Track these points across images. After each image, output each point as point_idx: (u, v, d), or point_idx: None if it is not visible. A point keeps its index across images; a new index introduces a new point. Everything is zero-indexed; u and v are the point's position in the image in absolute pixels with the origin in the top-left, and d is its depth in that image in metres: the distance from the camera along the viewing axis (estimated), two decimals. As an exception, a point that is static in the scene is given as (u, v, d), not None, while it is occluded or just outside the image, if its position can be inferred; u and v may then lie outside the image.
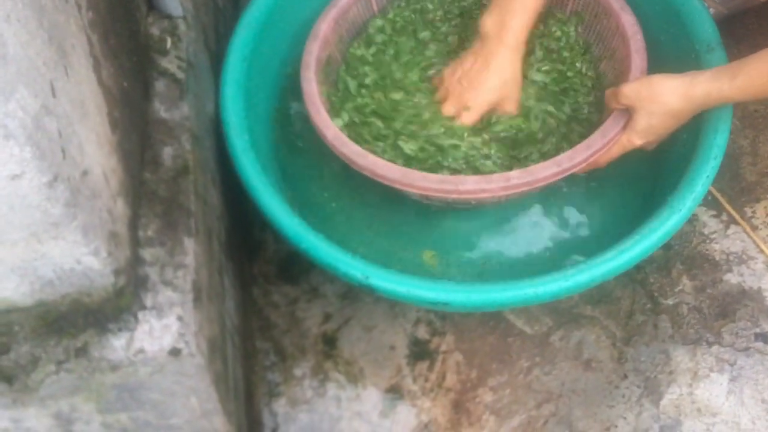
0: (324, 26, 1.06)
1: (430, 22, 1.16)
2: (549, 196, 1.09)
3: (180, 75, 0.86)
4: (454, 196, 0.94)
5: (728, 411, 1.00)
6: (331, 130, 0.97)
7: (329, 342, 1.09)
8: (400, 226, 1.11)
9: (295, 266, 1.14)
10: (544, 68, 1.09)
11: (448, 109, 1.03)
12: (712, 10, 1.22)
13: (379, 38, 1.13)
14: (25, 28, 0.51)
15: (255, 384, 1.05)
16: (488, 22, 1.01)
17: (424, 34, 1.14)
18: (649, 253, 0.90)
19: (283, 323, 1.11)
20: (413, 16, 1.16)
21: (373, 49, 1.12)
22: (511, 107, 1.03)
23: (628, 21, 1.02)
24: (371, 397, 1.06)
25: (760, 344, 1.04)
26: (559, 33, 1.12)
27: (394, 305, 1.11)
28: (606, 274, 0.89)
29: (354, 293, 1.12)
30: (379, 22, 1.14)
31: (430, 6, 1.17)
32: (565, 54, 1.10)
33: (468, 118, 1.02)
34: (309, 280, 1.14)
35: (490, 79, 1.01)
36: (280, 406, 1.05)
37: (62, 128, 0.57)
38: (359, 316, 1.11)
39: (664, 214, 0.91)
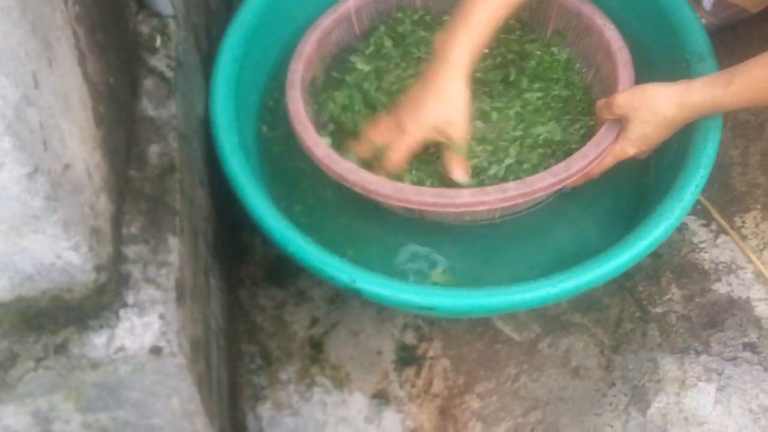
0: (307, 47, 1.06)
1: (407, 46, 1.15)
2: (540, 207, 1.08)
3: (169, 74, 0.86)
4: (451, 209, 0.93)
5: (716, 420, 1.00)
6: (320, 148, 0.96)
7: (316, 346, 1.09)
8: (391, 236, 1.10)
9: (283, 269, 1.14)
10: (530, 90, 1.08)
11: (380, 133, 0.96)
12: (703, 21, 1.23)
13: (360, 65, 1.12)
14: (7, 18, 0.51)
15: (240, 387, 1.04)
16: (437, 39, 0.94)
17: (402, 62, 1.13)
18: (635, 261, 0.89)
19: (269, 326, 1.10)
20: (392, 42, 1.15)
21: (354, 75, 1.11)
22: (456, 132, 0.94)
23: (612, 36, 1.03)
24: (357, 402, 1.05)
25: (748, 354, 1.04)
26: (539, 53, 1.12)
27: (381, 310, 1.11)
28: (593, 281, 0.88)
29: (341, 297, 1.11)
30: (360, 49, 1.13)
31: (409, 30, 1.16)
32: (550, 73, 1.10)
33: (400, 144, 0.93)
34: (297, 284, 1.13)
35: (429, 100, 0.92)
36: (265, 410, 1.04)
37: (44, 120, 0.56)
38: (346, 320, 1.10)
39: (651, 223, 0.90)
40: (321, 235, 0.99)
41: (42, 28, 0.57)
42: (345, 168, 0.94)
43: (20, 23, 0.53)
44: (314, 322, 1.10)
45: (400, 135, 0.94)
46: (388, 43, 1.14)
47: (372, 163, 0.98)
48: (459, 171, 0.96)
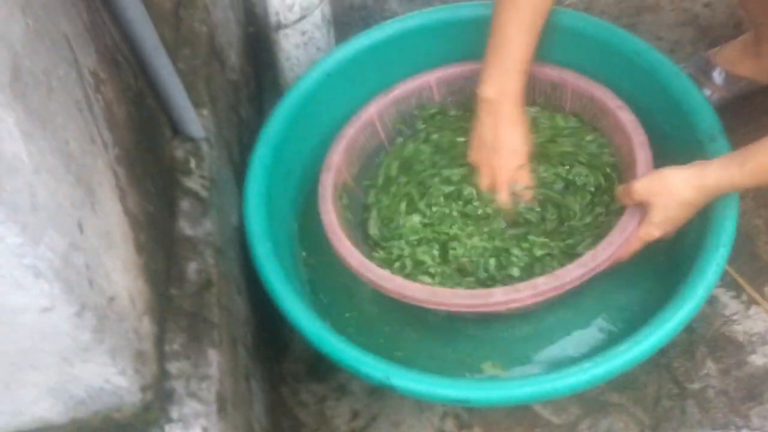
0: (335, 158, 1.12)
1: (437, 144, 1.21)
2: (573, 294, 1.10)
3: (203, 193, 0.92)
4: (484, 309, 0.96)
5: (763, 498, 0.98)
6: (355, 258, 1.01)
7: (358, 439, 1.11)
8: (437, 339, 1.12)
9: (323, 364, 1.17)
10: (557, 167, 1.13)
11: (483, 181, 1.09)
12: (715, 95, 1.26)
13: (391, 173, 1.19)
14: (53, 177, 0.57)
15: (286, 485, 1.07)
16: (489, 90, 1.05)
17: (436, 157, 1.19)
18: (663, 343, 0.91)
19: (312, 422, 1.13)
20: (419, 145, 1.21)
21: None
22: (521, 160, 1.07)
23: (627, 118, 1.06)
24: (402, 494, 1.06)
25: (790, 427, 1.03)
26: (562, 124, 1.16)
27: (420, 400, 1.13)
28: (622, 366, 0.90)
29: (381, 390, 1.14)
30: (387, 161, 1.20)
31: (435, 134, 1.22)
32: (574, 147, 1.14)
33: (501, 187, 1.08)
34: (336, 378, 1.16)
35: (512, 134, 1.06)
36: (312, 506, 1.06)
37: (89, 261, 0.62)
38: (387, 412, 1.13)
39: (676, 304, 0.92)
40: (369, 340, 1.03)
41: (85, 177, 0.63)
42: (380, 276, 0.99)
43: (65, 178, 0.59)
44: (355, 415, 1.13)
45: (495, 174, 1.09)
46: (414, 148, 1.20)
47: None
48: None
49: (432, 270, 1.06)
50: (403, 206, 1.12)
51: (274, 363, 1.16)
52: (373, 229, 1.12)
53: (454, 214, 1.10)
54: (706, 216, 0.99)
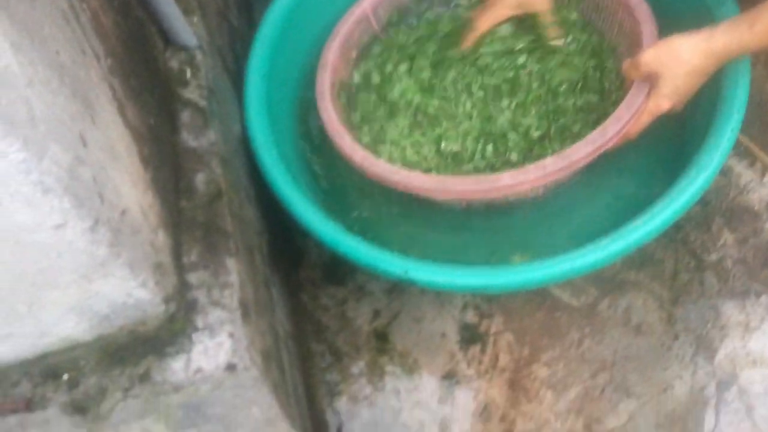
0: (331, 55, 1.09)
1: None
2: (583, 177, 1.09)
3: (203, 103, 0.90)
4: (493, 194, 0.95)
5: (785, 359, 1.00)
6: (358, 153, 0.99)
7: (381, 337, 1.12)
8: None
9: (340, 267, 1.18)
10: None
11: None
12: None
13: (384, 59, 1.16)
14: (47, 89, 0.55)
15: (315, 386, 1.09)
16: None
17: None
18: (680, 214, 0.90)
19: (334, 324, 1.14)
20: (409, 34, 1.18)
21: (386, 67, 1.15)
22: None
23: None
24: (428, 385, 1.08)
25: (809, 288, 1.04)
26: (560, 18, 1.13)
27: (440, 294, 1.14)
28: (640, 239, 0.90)
29: (400, 287, 1.15)
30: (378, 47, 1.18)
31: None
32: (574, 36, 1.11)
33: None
34: (355, 280, 1.17)
35: None
36: (342, 404, 1.08)
37: (96, 175, 0.60)
38: (407, 308, 1.14)
39: (692, 174, 0.91)
40: (385, 240, 1.02)
41: (80, 89, 0.61)
42: (386, 169, 0.97)
43: (60, 90, 0.57)
44: (376, 314, 1.14)
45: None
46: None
47: None
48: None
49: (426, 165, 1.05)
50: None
51: (291, 270, 1.17)
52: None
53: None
54: (717, 84, 0.97)
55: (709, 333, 1.03)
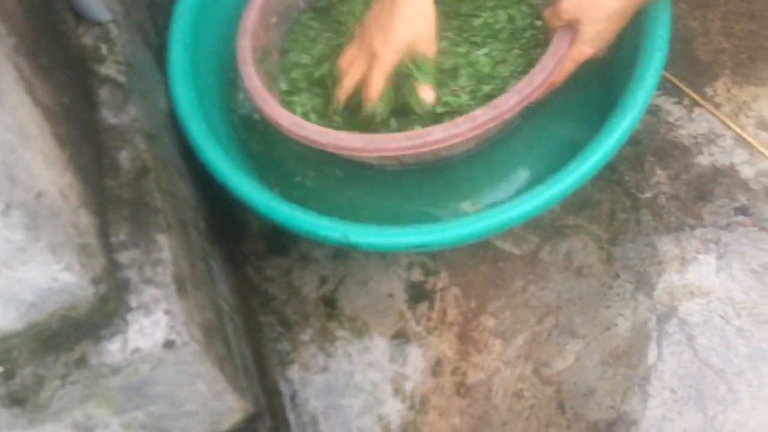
0: (250, 20, 1.06)
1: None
2: (516, 125, 1.09)
3: (121, 78, 0.87)
4: (425, 149, 0.94)
5: (720, 287, 1.03)
6: (286, 117, 0.98)
7: (329, 303, 1.12)
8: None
9: (283, 238, 1.17)
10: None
11: (351, 65, 0.97)
12: None
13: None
14: (-60, 71, 0.52)
15: (266, 357, 1.09)
16: None
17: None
18: (611, 155, 0.91)
19: (281, 294, 1.14)
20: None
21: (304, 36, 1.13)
22: (426, 48, 0.96)
23: None
24: (379, 346, 1.09)
25: (740, 218, 1.06)
26: None
27: (385, 255, 1.14)
28: (574, 184, 0.90)
29: (344, 252, 1.15)
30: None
31: None
32: None
33: (374, 73, 0.94)
34: (299, 249, 1.16)
35: (396, 19, 0.91)
36: (294, 372, 1.08)
37: (5, 157, 0.58)
38: (353, 272, 1.14)
39: (618, 115, 0.92)
40: (330, 206, 1.01)
41: (-21, 69, 0.59)
42: (314, 131, 0.96)
43: (-44, 71, 0.55)
44: (323, 281, 1.14)
45: (372, 63, 0.94)
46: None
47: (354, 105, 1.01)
48: (426, 92, 0.98)
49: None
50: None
51: (233, 244, 1.16)
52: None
53: None
54: (638, 25, 0.98)
55: (648, 269, 1.05)
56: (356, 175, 1.10)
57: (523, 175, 1.09)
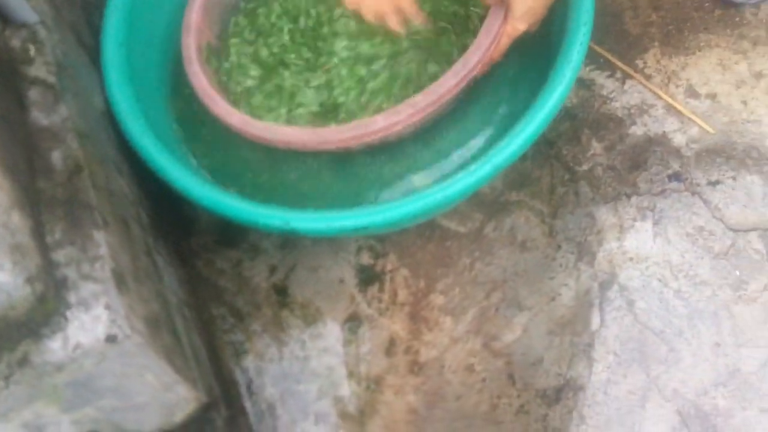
0: (194, 17, 1.07)
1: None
2: (456, 106, 1.11)
3: (51, 79, 0.87)
4: (368, 138, 0.96)
5: (658, 252, 1.06)
6: (235, 116, 0.99)
7: (281, 292, 1.13)
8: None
9: (231, 230, 1.18)
10: None
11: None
12: None
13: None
14: None
15: (220, 348, 1.09)
16: None
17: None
18: (542, 128, 0.93)
19: (232, 286, 1.15)
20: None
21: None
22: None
23: None
24: (333, 331, 1.10)
25: (674, 184, 1.10)
26: None
27: (333, 241, 1.15)
28: (507, 159, 0.92)
29: (292, 241, 1.16)
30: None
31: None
32: None
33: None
34: (248, 240, 1.17)
35: None
36: (249, 362, 1.09)
37: (-75, 161, 0.59)
38: (303, 260, 1.15)
39: (547, 90, 0.94)
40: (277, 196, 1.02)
41: None
42: (262, 127, 0.97)
43: None
44: (273, 270, 1.15)
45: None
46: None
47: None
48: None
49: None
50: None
51: (182, 239, 1.16)
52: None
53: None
54: (566, 0, 1.00)
55: (588, 239, 1.08)
56: (300, 163, 1.11)
57: (467, 148, 1.11)
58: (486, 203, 1.14)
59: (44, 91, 0.86)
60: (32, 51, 0.88)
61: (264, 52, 1.11)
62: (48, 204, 0.78)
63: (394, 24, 1.06)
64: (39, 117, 0.84)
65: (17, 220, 0.71)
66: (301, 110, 1.06)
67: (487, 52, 0.98)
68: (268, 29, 1.14)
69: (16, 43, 0.89)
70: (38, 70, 0.87)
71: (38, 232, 0.74)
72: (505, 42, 1.01)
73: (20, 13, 0.88)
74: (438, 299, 1.10)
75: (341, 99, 1.05)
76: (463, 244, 1.12)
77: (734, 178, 1.09)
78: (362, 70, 1.06)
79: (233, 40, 1.13)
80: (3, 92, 0.80)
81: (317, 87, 1.07)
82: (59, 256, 0.75)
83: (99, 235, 0.78)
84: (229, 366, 1.09)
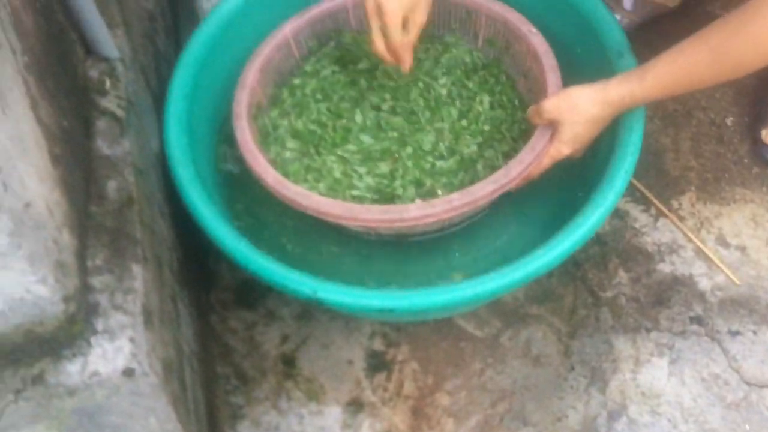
0: (250, 76, 1.11)
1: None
2: (489, 211, 1.13)
3: (120, 113, 0.90)
4: (398, 224, 0.98)
5: (671, 392, 1.05)
6: (271, 175, 1.01)
7: (288, 362, 1.13)
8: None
9: (251, 292, 1.18)
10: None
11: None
12: (625, 20, 1.30)
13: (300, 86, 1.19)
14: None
15: (218, 408, 1.08)
16: None
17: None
18: (576, 247, 0.95)
19: (242, 348, 1.14)
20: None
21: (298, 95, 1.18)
22: (420, 17, 1.03)
23: (537, 42, 1.10)
24: (333, 411, 1.09)
25: (695, 327, 1.10)
26: (468, 59, 1.19)
27: (349, 321, 1.15)
28: (539, 270, 0.94)
29: (310, 313, 1.16)
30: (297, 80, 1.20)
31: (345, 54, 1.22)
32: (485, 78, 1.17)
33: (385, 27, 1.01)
34: (265, 305, 1.17)
35: None
36: (245, 428, 1.07)
37: (2, 163, 0.60)
38: (316, 334, 1.15)
39: (588, 211, 0.96)
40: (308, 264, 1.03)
41: (-7, 79, 0.62)
42: (296, 192, 0.99)
43: (-28, 76, 0.58)
44: (285, 339, 1.14)
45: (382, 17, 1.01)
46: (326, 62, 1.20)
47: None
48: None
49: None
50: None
51: (201, 292, 1.17)
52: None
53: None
54: (614, 132, 1.04)
55: (603, 365, 1.08)
56: (335, 238, 1.12)
57: (489, 256, 1.12)
58: (506, 312, 1.15)
59: (112, 122, 0.89)
60: (108, 84, 0.92)
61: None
62: (95, 229, 0.79)
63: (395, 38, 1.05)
64: (102, 146, 0.86)
65: (66, 238, 0.72)
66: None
67: (528, 168, 1.01)
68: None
69: (94, 73, 0.92)
70: (110, 102, 0.91)
71: (81, 254, 0.76)
72: (547, 162, 1.03)
73: (104, 47, 0.92)
74: (444, 399, 1.09)
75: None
76: (477, 348, 1.12)
77: (755, 332, 1.10)
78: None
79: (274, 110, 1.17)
80: (75, 116, 0.83)
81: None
82: (96, 281, 0.76)
83: (137, 269, 0.79)
84: (223, 428, 1.07)
